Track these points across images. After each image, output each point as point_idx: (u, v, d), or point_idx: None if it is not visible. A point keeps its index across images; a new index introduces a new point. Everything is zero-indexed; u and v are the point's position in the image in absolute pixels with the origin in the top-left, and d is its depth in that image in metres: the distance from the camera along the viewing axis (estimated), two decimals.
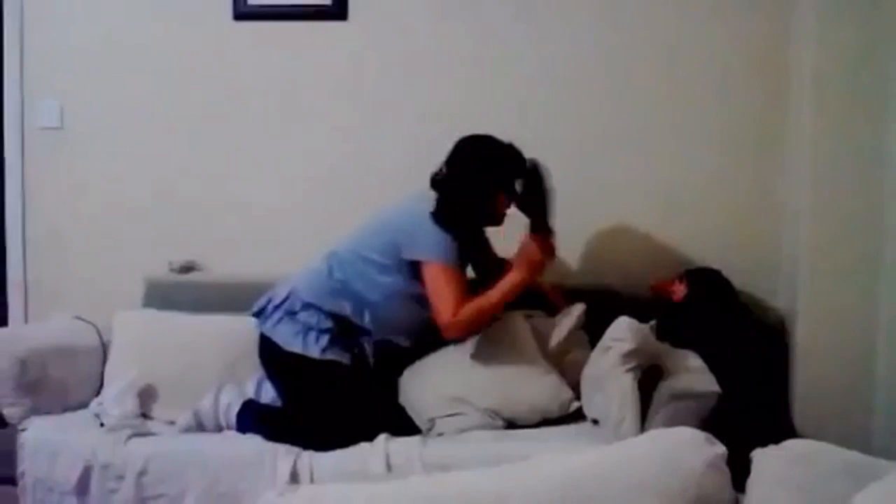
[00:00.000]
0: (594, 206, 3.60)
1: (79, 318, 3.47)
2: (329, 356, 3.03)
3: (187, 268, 3.75)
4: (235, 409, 3.07)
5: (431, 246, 3.00)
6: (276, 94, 3.77)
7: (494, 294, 2.99)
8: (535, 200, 3.04)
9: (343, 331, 3.07)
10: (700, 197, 3.59)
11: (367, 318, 3.08)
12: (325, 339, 3.03)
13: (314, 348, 3.02)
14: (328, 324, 3.05)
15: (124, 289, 3.66)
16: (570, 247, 3.55)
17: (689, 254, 3.49)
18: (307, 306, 3.06)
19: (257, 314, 3.16)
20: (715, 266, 3.41)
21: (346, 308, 3.06)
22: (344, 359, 3.06)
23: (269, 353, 3.11)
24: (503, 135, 3.12)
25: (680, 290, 3.33)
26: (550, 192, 3.04)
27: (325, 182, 3.74)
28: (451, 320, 2.98)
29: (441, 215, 3.01)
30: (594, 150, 3.62)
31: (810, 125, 3.22)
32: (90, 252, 3.86)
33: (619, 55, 3.61)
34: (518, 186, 3.06)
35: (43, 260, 3.91)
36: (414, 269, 3.03)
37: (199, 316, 3.42)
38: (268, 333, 3.10)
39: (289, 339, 3.05)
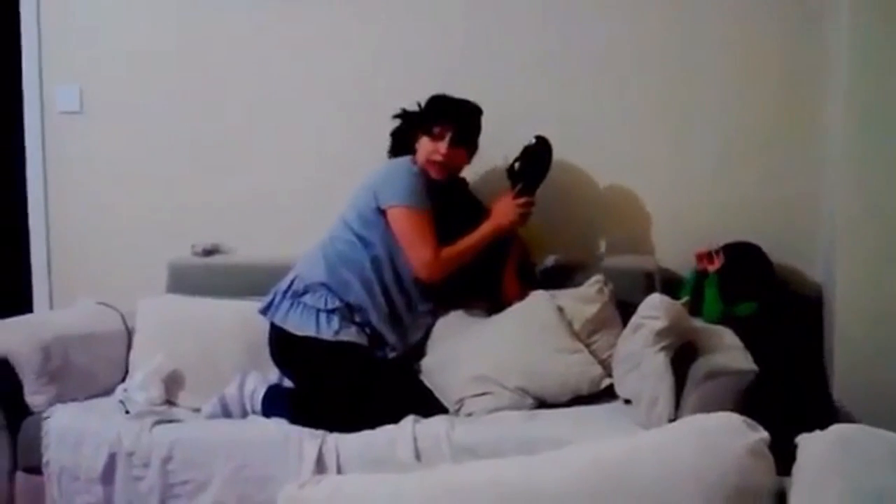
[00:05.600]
0: (627, 179, 3.52)
1: (103, 303, 3.45)
2: (343, 337, 3.01)
3: (211, 251, 3.70)
4: (261, 394, 3.04)
5: (399, 191, 3.07)
6: (300, 77, 3.71)
7: (472, 238, 3.10)
8: (529, 170, 3.14)
9: (352, 311, 3.06)
10: (737, 169, 3.48)
11: (357, 287, 3.06)
12: (335, 321, 3.02)
13: (327, 331, 3.01)
14: (335, 303, 3.04)
15: (148, 273, 3.63)
16: (603, 221, 3.52)
17: (725, 225, 3.40)
18: (310, 287, 3.06)
19: (264, 310, 3.13)
20: (751, 238, 3.32)
21: (347, 278, 3.05)
22: (360, 340, 3.05)
23: (284, 343, 3.09)
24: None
25: (717, 262, 3.26)
26: (545, 168, 3.16)
27: (348, 165, 3.62)
28: (432, 260, 3.04)
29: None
30: (623, 123, 3.53)
31: (846, 94, 3.13)
32: (113, 237, 3.84)
33: (656, 31, 3.51)
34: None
35: (66, 245, 3.90)
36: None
37: (223, 301, 3.39)
38: (279, 323, 3.08)
39: (300, 323, 3.04)
